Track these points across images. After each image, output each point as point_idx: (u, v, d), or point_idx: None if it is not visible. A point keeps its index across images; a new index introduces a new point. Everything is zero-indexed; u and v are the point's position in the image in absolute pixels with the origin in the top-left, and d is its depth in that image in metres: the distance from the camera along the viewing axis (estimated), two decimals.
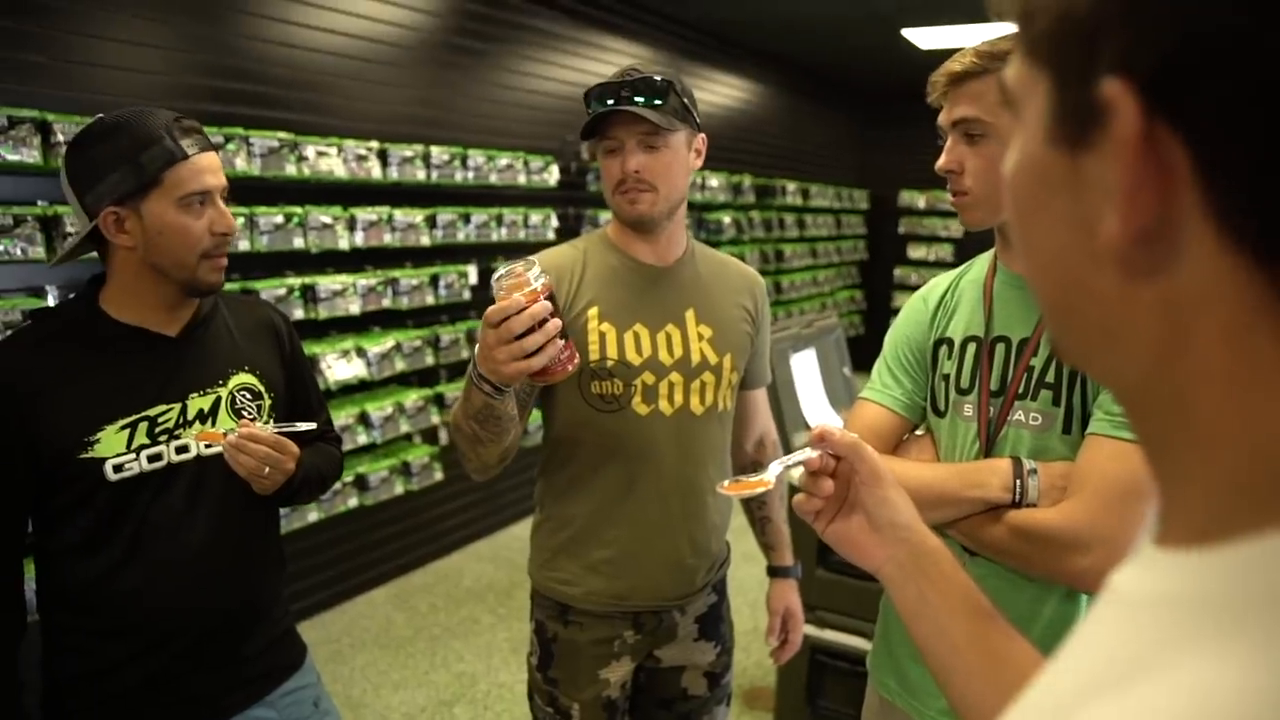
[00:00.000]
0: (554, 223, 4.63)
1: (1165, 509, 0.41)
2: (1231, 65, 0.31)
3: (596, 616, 1.62)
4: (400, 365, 3.69)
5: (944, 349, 1.39)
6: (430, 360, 3.89)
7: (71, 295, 1.52)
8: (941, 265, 9.08)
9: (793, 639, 1.85)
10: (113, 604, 1.34)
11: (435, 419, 3.94)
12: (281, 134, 3.17)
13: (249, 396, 1.46)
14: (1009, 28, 0.41)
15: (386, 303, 3.66)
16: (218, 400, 1.42)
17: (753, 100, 7.09)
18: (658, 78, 1.49)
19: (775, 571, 1.88)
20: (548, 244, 4.66)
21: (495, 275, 1.22)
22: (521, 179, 4.33)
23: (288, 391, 1.54)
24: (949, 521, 1.24)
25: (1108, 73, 0.34)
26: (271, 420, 1.48)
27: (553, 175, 4.54)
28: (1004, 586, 1.24)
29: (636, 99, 1.47)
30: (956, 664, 0.76)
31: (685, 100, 1.53)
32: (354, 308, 3.50)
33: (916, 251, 9.21)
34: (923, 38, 6.12)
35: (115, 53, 2.81)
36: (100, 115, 1.34)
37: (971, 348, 1.35)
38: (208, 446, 1.39)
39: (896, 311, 8.31)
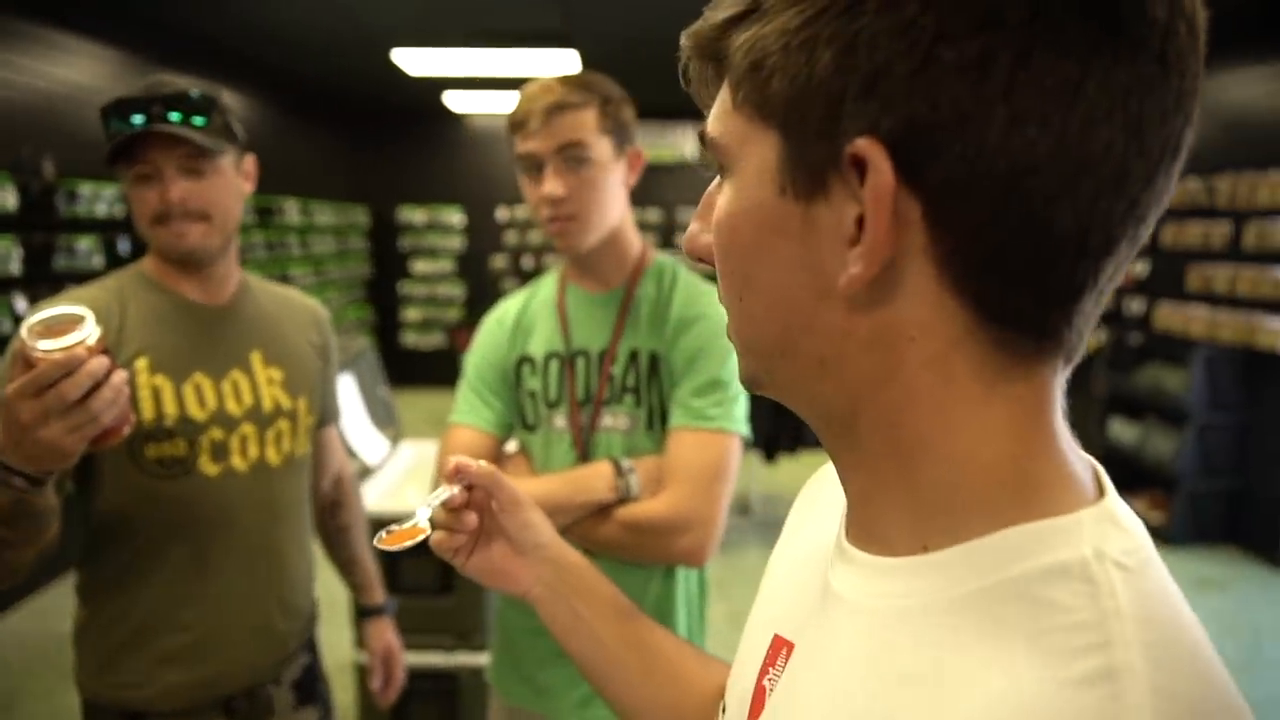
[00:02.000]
0: (18, 253, 3.88)
1: (870, 519, 0.46)
2: (956, 137, 0.36)
3: (178, 716, 1.41)
4: None
5: (527, 367, 1.47)
6: None
7: None
8: (445, 278, 9.40)
9: (396, 676, 1.80)
10: None
11: None
12: None
13: None
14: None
15: None
16: None
17: (248, 116, 6.63)
18: (195, 92, 1.32)
19: (369, 611, 1.81)
20: (12, 281, 3.90)
21: (25, 329, 0.99)
22: None
23: None
24: (563, 528, 1.36)
25: (856, 135, 0.37)
26: None
27: (10, 196, 3.80)
28: (616, 576, 1.40)
29: (171, 116, 1.29)
30: (615, 669, 0.79)
31: (228, 118, 1.39)
32: None
33: (420, 265, 9.41)
34: (411, 60, 6.27)
35: None
36: None
37: (554, 363, 1.45)
38: None
39: (406, 326, 8.38)
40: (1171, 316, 5.46)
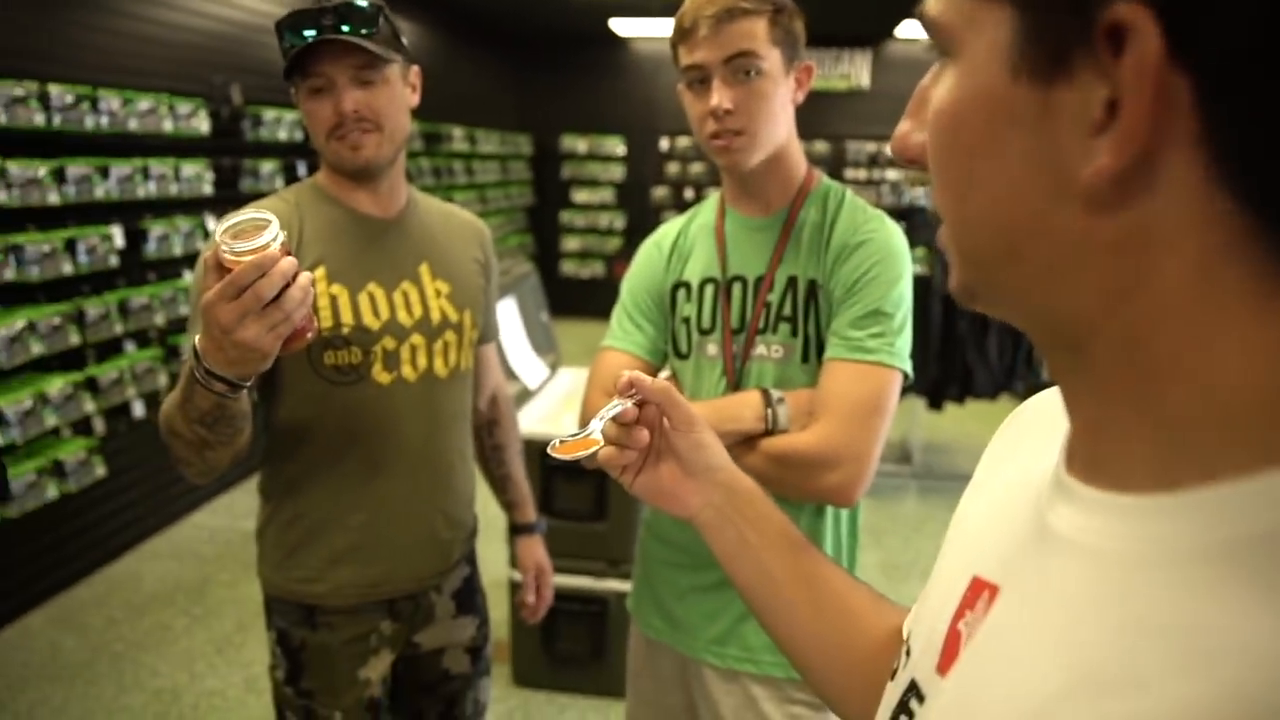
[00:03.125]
0: (210, 175, 4.12)
1: (1101, 452, 0.41)
2: None
3: (347, 613, 1.48)
4: (37, 349, 3.11)
5: (682, 292, 1.44)
6: (75, 339, 3.32)
7: None
8: (605, 209, 9.44)
9: (545, 594, 1.84)
10: None
11: (89, 407, 3.38)
12: None
13: None
14: None
15: (10, 274, 3.04)
16: None
17: (417, 43, 6.77)
18: (362, 2, 1.32)
19: (521, 529, 1.84)
20: (204, 200, 4.15)
21: (219, 233, 1.01)
22: (168, 125, 3.78)
23: None
24: None
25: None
26: None
27: (203, 122, 4.02)
28: None
29: (343, 27, 1.30)
30: (781, 601, 0.77)
31: (394, 28, 1.38)
32: None
33: (581, 195, 9.47)
34: None
35: None
36: None
37: (710, 289, 1.41)
38: None
39: (566, 255, 8.50)
40: None
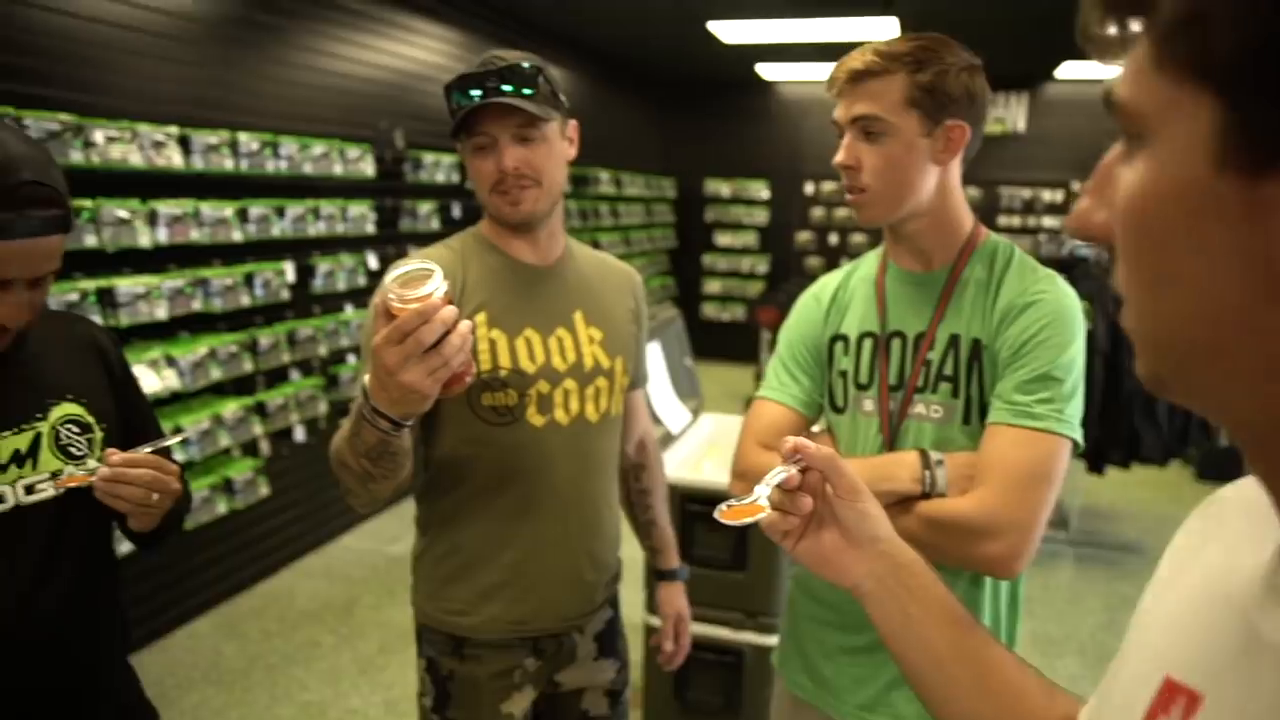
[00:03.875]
0: (373, 215, 4.37)
1: None
2: None
3: (494, 647, 1.52)
4: (216, 374, 3.36)
5: (839, 345, 1.42)
6: (248, 367, 3.57)
7: None
8: (748, 252, 9.44)
9: (684, 642, 1.83)
10: None
11: (258, 429, 3.62)
12: (63, 116, 2.78)
13: (75, 430, 1.24)
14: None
15: (197, 305, 3.31)
16: (37, 437, 1.20)
17: (567, 89, 7.01)
18: (525, 64, 1.40)
19: (664, 575, 1.84)
20: (368, 239, 4.41)
21: (388, 280, 1.07)
22: (338, 169, 4.05)
23: (119, 420, 1.33)
24: None
25: None
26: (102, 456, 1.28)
27: (369, 165, 4.28)
28: None
29: (505, 88, 1.38)
30: (945, 679, 0.75)
31: (554, 86, 1.45)
32: (160, 312, 3.14)
33: (724, 239, 9.51)
34: (727, 31, 6.28)
35: None
36: None
37: (868, 344, 1.38)
38: (28, 493, 1.17)
39: (707, 298, 8.47)
40: None
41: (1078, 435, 1.21)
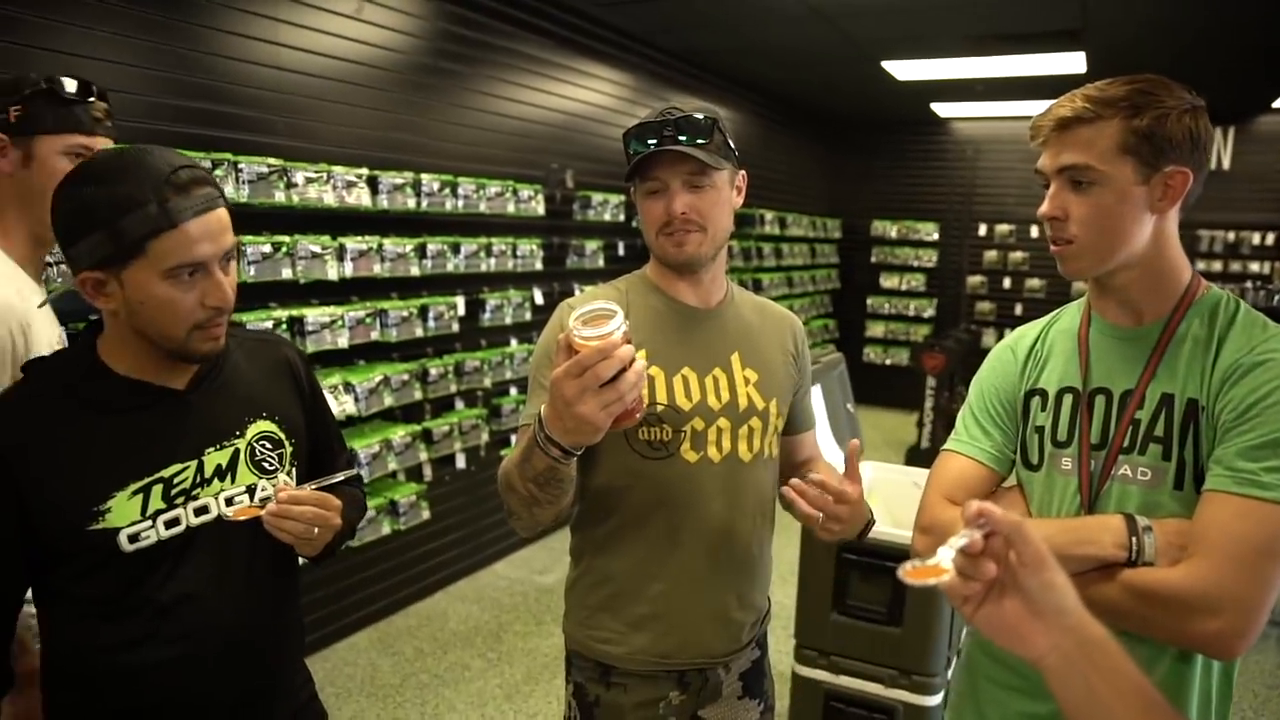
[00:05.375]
0: (541, 252, 4.53)
1: None
2: None
3: (641, 677, 1.54)
4: (388, 400, 3.55)
5: (1036, 400, 1.35)
6: (418, 395, 3.75)
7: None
8: (914, 295, 9.14)
9: (831, 510, 1.33)
10: (127, 684, 1.20)
11: (423, 455, 3.79)
12: (271, 160, 3.04)
13: (269, 446, 1.34)
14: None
15: (375, 335, 3.52)
16: (236, 453, 1.29)
17: (735, 130, 7.05)
18: (700, 115, 1.45)
19: None
20: (536, 275, 4.56)
21: (573, 318, 1.14)
22: (511, 208, 4.23)
23: (308, 436, 1.43)
24: None
25: None
26: (294, 469, 1.37)
27: (540, 204, 4.44)
28: None
29: (680, 138, 1.43)
30: None
31: (726, 137, 1.49)
32: (342, 340, 3.35)
33: (889, 281, 9.25)
34: (903, 69, 6.15)
35: (93, 72, 2.67)
36: (100, 151, 1.21)
37: (1068, 399, 1.31)
38: (228, 505, 1.27)
39: (869, 341, 8.22)
40: None
41: None
